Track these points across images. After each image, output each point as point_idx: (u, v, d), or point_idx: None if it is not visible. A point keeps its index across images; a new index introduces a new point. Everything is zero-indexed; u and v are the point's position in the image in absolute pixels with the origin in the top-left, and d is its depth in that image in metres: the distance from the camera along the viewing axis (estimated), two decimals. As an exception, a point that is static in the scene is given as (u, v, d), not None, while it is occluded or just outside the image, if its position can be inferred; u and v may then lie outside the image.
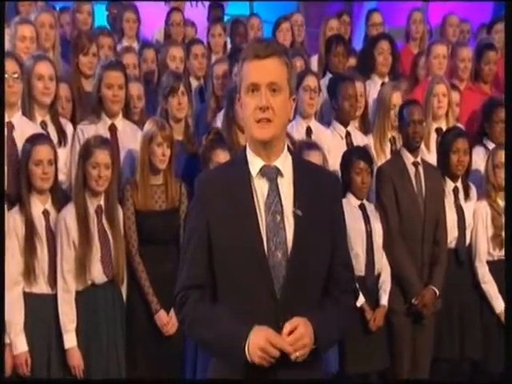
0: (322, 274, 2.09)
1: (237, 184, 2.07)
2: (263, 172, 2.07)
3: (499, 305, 4.08)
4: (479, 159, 4.37)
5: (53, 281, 3.48)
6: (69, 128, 3.96)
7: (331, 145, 4.28)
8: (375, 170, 4.06)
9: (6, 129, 3.63)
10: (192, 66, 5.12)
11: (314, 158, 3.67)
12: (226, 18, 6.58)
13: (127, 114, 4.06)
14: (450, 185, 4.16)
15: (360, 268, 3.81)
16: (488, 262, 4.17)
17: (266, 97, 2.01)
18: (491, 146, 4.41)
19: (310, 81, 4.33)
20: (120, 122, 4.01)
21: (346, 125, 4.43)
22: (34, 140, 3.51)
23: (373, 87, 4.93)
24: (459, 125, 4.61)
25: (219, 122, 4.28)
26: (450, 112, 4.56)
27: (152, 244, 3.68)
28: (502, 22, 5.29)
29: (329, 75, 4.96)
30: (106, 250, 3.56)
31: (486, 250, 4.17)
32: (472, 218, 4.18)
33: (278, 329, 1.96)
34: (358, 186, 3.91)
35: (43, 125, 3.84)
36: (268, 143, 2.05)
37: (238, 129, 4.04)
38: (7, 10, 4.38)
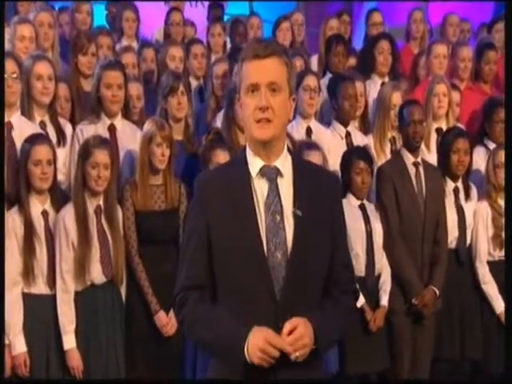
0: (322, 274, 2.08)
1: (236, 184, 2.06)
2: (263, 172, 2.07)
3: (499, 305, 4.07)
4: (480, 159, 4.36)
5: (52, 281, 3.47)
6: (68, 128, 3.95)
7: (331, 145, 4.27)
8: (375, 170, 4.05)
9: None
10: (192, 65, 5.11)
11: (313, 158, 3.67)
12: (225, 18, 6.57)
13: (126, 113, 4.05)
14: (450, 185, 4.15)
15: (360, 268, 3.81)
16: (488, 263, 4.16)
17: (265, 97, 2.00)
18: (492, 145, 4.40)
19: (310, 80, 4.32)
20: (119, 122, 4.00)
21: (346, 125, 4.42)
22: (32, 140, 3.50)
23: (373, 87, 4.92)
24: (459, 125, 4.61)
25: (219, 122, 4.27)
26: (451, 112, 4.56)
27: (151, 244, 3.67)
28: (503, 22, 5.29)
29: (329, 75, 4.96)
30: (105, 251, 3.56)
31: (486, 251, 4.16)
32: (472, 219, 4.17)
33: (278, 329, 1.95)
34: (358, 186, 3.90)
35: (42, 125, 3.83)
36: (268, 143, 2.05)
37: (237, 129, 4.04)
38: (6, 10, 4.37)
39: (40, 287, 3.47)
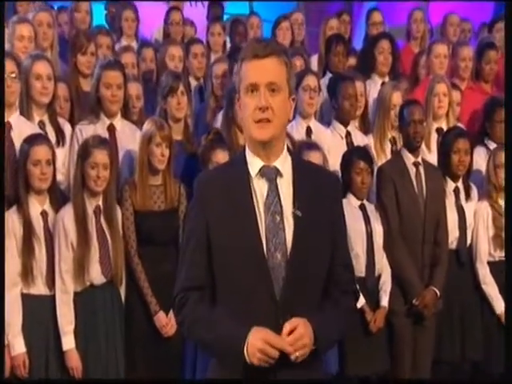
0: (322, 274, 2.08)
1: (236, 184, 2.06)
2: (263, 172, 2.06)
3: (500, 306, 4.06)
4: (480, 159, 4.35)
5: (51, 282, 3.46)
6: (67, 128, 3.94)
7: (331, 145, 4.27)
8: (375, 170, 4.04)
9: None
10: (191, 65, 5.10)
11: (314, 158, 3.67)
12: (225, 17, 6.56)
13: (126, 113, 4.05)
14: (450, 185, 4.14)
15: (360, 269, 3.80)
16: (489, 263, 4.15)
17: (265, 97, 2.00)
18: (492, 146, 4.39)
19: (310, 80, 4.31)
20: (119, 122, 3.99)
21: (346, 124, 4.41)
22: (31, 140, 3.49)
23: (373, 87, 4.92)
24: (460, 124, 4.60)
25: (219, 122, 4.26)
26: (451, 112, 4.55)
27: (151, 245, 3.67)
28: (503, 21, 5.27)
29: (329, 75, 4.95)
30: (104, 251, 3.55)
31: (486, 251, 4.15)
32: (473, 219, 4.17)
33: (278, 330, 1.95)
34: (358, 187, 3.89)
35: (41, 125, 3.82)
36: (267, 143, 2.05)
37: (237, 129, 4.02)
38: (6, 10, 4.36)
39: (39, 288, 3.46)
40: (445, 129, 4.46)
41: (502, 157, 4.08)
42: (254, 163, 2.07)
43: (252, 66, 2.02)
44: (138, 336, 3.64)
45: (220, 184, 2.08)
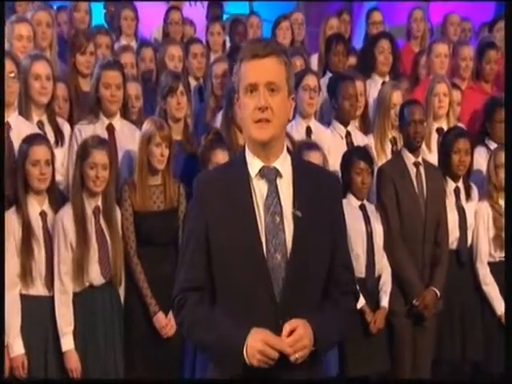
0: (322, 275, 2.08)
1: (236, 185, 2.06)
2: (262, 173, 2.06)
3: (500, 306, 4.05)
4: (481, 159, 4.34)
5: (50, 282, 3.45)
6: (66, 128, 3.93)
7: (331, 145, 4.26)
8: (376, 171, 4.03)
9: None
10: (191, 65, 5.09)
11: (314, 158, 3.66)
12: (225, 17, 6.55)
13: (125, 113, 4.04)
14: (451, 185, 4.13)
15: (360, 269, 3.79)
16: (489, 264, 4.14)
17: (264, 97, 2.00)
18: (493, 145, 4.38)
19: (310, 80, 4.30)
20: (118, 122, 3.98)
21: (346, 124, 4.40)
22: (30, 140, 3.48)
23: (373, 86, 4.91)
24: (460, 124, 4.59)
25: (218, 122, 4.25)
26: (451, 111, 4.54)
27: (150, 245, 3.66)
28: (504, 21, 5.26)
29: (329, 74, 4.94)
30: (103, 252, 3.54)
31: (487, 251, 4.14)
32: (473, 219, 4.16)
33: (278, 330, 1.94)
34: (358, 187, 3.88)
35: (40, 125, 3.81)
36: (267, 144, 2.04)
37: (237, 129, 4.02)
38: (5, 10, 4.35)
39: (38, 288, 3.45)
40: (445, 129, 4.45)
41: (502, 157, 4.07)
42: (254, 164, 2.06)
43: (251, 66, 2.01)
44: (138, 337, 3.63)
45: (220, 184, 2.08)
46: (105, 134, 3.84)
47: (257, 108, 1.99)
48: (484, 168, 4.27)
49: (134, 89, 4.25)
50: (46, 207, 3.50)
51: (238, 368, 1.96)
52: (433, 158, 4.31)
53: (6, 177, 3.46)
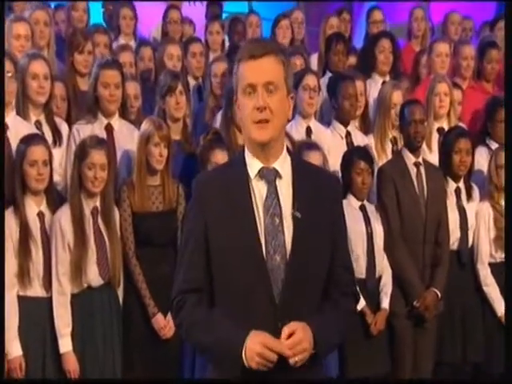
0: (322, 276, 2.07)
1: (235, 186, 2.05)
2: (262, 174, 2.05)
3: (501, 307, 4.04)
4: (482, 159, 4.33)
5: (48, 284, 3.44)
6: (64, 128, 3.92)
7: (331, 145, 4.25)
8: (376, 171, 4.02)
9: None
10: (190, 64, 5.07)
11: (314, 158, 3.65)
12: (224, 16, 6.53)
13: (124, 113, 4.03)
14: (452, 185, 4.12)
15: (361, 270, 3.78)
16: (490, 264, 4.13)
17: (262, 97, 1.99)
18: (494, 145, 4.37)
19: (310, 80, 4.28)
20: (116, 122, 3.97)
21: (346, 124, 4.39)
22: (28, 140, 3.47)
23: (373, 86, 4.89)
24: (461, 124, 4.58)
25: (218, 122, 4.23)
26: (452, 111, 4.53)
27: (149, 246, 3.64)
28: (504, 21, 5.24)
29: (329, 74, 4.92)
30: (102, 253, 3.53)
31: (488, 252, 4.13)
32: (474, 219, 4.14)
33: (277, 333, 1.93)
34: (358, 187, 3.87)
35: (38, 124, 3.80)
36: (266, 145, 2.03)
37: (236, 129, 4.01)
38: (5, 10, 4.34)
39: (36, 290, 3.43)
40: (446, 128, 4.44)
41: (503, 157, 4.05)
42: (253, 164, 2.05)
43: (249, 67, 2.01)
44: (136, 338, 3.62)
45: (219, 185, 2.07)
46: (103, 134, 3.83)
47: (255, 108, 1.98)
48: (485, 168, 4.25)
49: (133, 88, 4.23)
50: (44, 208, 3.48)
51: (236, 370, 1.95)
52: (433, 158, 4.30)
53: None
